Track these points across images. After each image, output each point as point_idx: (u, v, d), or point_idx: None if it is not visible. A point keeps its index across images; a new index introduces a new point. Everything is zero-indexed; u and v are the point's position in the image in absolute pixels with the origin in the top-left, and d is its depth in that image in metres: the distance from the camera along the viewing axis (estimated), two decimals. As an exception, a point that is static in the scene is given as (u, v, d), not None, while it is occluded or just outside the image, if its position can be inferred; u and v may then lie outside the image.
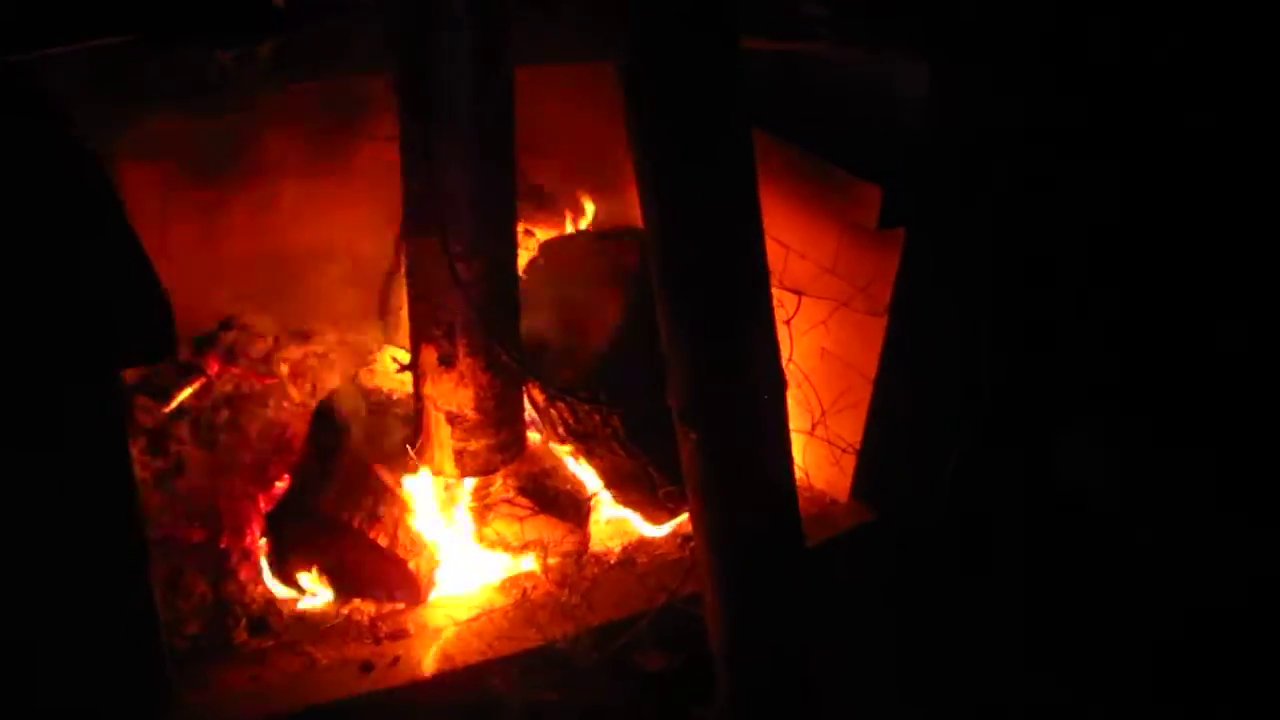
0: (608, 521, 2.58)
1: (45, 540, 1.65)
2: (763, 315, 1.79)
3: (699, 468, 1.82)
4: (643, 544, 2.51)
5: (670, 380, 1.81)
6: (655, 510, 2.46)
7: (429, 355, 2.21)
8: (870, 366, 2.51)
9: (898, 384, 2.49)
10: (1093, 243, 2.35)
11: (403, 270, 3.02)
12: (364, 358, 3.00)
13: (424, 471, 2.32)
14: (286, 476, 2.55)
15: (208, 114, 1.85)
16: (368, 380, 2.52)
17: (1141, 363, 2.44)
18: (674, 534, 2.54)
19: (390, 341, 3.05)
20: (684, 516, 2.52)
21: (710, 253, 1.73)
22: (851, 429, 2.56)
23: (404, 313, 2.99)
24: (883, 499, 2.61)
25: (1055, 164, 2.24)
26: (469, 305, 2.15)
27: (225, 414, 2.66)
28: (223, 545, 2.38)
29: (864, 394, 2.53)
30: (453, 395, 2.23)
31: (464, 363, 2.20)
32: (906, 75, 2.21)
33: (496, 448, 2.30)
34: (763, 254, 1.79)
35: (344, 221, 3.01)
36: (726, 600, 1.87)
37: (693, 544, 2.44)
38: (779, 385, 1.84)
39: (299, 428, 2.69)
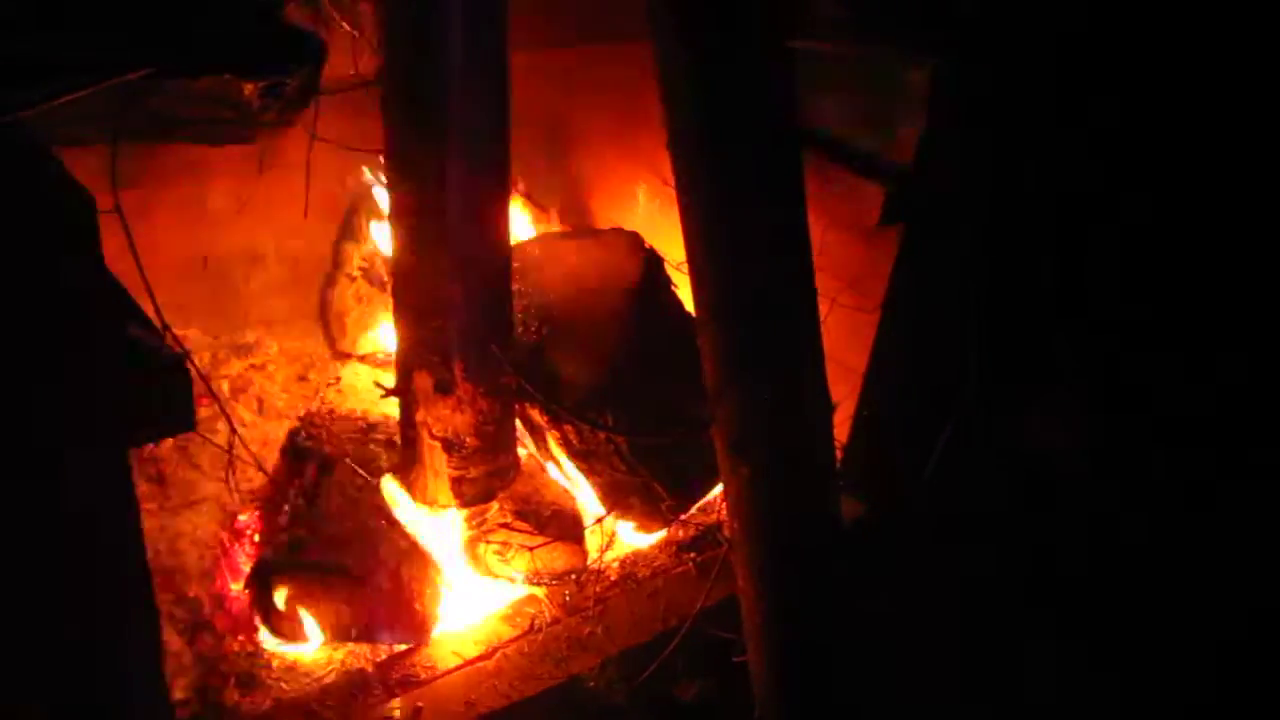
0: (590, 532, 2.48)
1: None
2: (816, 340, 1.73)
3: (751, 502, 1.75)
4: (638, 556, 2.42)
5: (717, 412, 1.73)
6: (651, 521, 2.39)
7: (423, 381, 2.05)
8: (857, 360, 2.49)
9: (888, 378, 2.47)
10: (1081, 233, 2.37)
11: (344, 273, 2.86)
12: (307, 368, 2.81)
13: (418, 502, 2.17)
14: (251, 509, 2.36)
15: (219, 143, 1.64)
16: (338, 402, 2.34)
17: (1122, 352, 2.49)
18: (668, 543, 2.46)
19: (335, 348, 2.86)
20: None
21: (768, 279, 1.65)
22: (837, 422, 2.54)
23: (350, 318, 2.83)
24: (868, 492, 2.60)
25: (1053, 160, 2.24)
26: (469, 327, 2.01)
27: (169, 442, 2.43)
28: (192, 594, 2.19)
29: (850, 387, 2.51)
30: (450, 421, 2.08)
31: (462, 388, 2.05)
32: (910, 73, 2.15)
33: (495, 473, 2.18)
34: (813, 274, 1.73)
35: (274, 221, 2.79)
36: (777, 639, 1.82)
37: (693, 557, 2.41)
38: (829, 410, 1.79)
39: (254, 451, 2.49)
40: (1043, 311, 2.47)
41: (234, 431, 1.72)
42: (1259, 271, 2.31)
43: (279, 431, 2.49)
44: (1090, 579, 2.63)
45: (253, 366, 2.74)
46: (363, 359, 2.74)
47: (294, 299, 2.89)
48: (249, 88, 1.33)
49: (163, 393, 1.38)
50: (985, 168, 2.22)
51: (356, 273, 2.82)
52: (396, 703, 1.98)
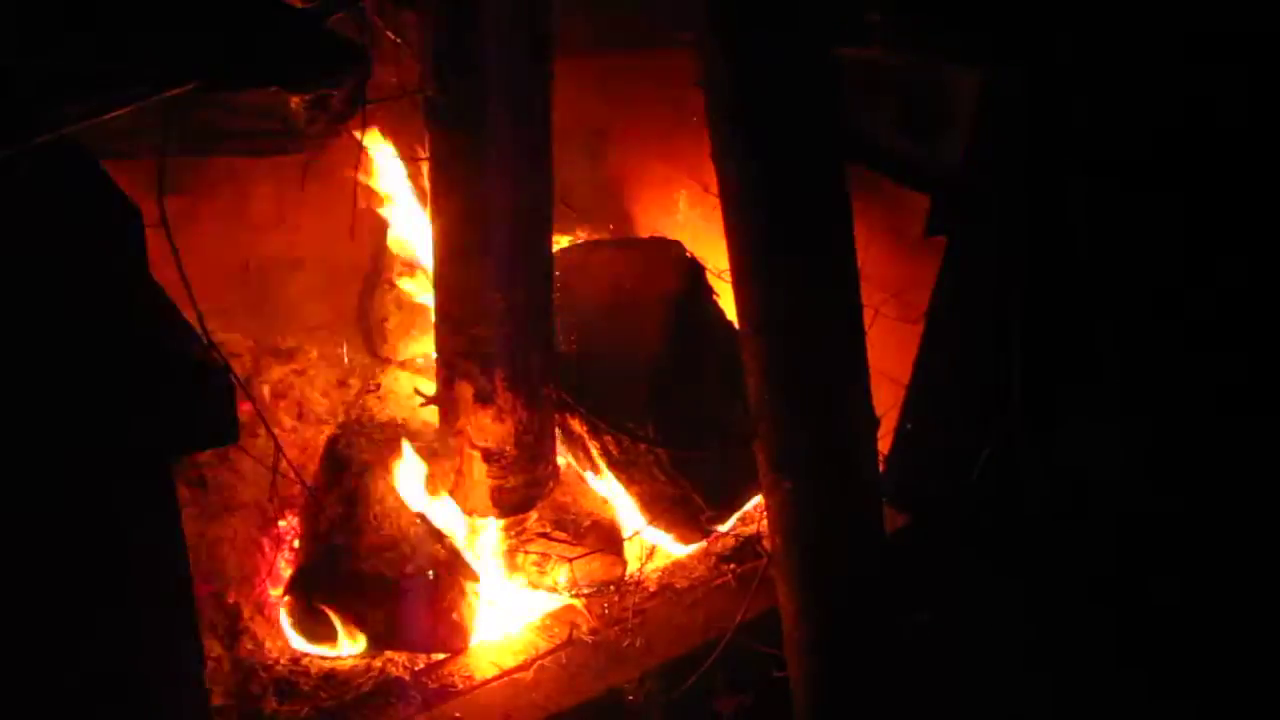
0: (629, 542, 2.47)
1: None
2: (861, 354, 1.70)
3: (794, 518, 1.73)
4: (677, 567, 2.41)
5: (760, 428, 1.71)
6: (690, 532, 2.37)
7: (464, 390, 2.05)
8: (900, 371, 2.46)
9: (932, 389, 2.44)
10: (1129, 243, 2.33)
11: (384, 278, 2.86)
12: (346, 373, 2.82)
13: (457, 511, 2.17)
14: (290, 514, 2.37)
15: (265, 155, 1.65)
16: (377, 409, 2.33)
17: (1159, 362, 2.46)
18: (706, 554, 2.44)
19: (374, 354, 2.87)
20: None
21: (813, 293, 1.64)
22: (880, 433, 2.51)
23: (389, 324, 2.84)
24: (911, 503, 2.57)
25: (1100, 167, 2.21)
26: (510, 336, 2.00)
27: (211, 447, 2.44)
28: (231, 600, 2.19)
29: (893, 398, 2.48)
30: (489, 431, 2.07)
31: (502, 397, 2.04)
32: (953, 82, 2.12)
33: (534, 483, 2.17)
34: (858, 286, 1.70)
35: (314, 227, 2.80)
36: (819, 654, 1.80)
37: (732, 568, 2.39)
38: (872, 425, 1.76)
39: (292, 456, 2.49)
40: (1088, 321, 2.43)
41: (276, 444, 1.71)
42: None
43: (319, 437, 2.49)
44: (1131, 587, 2.59)
45: (293, 371, 2.75)
46: (402, 365, 2.74)
47: (334, 304, 2.90)
48: (295, 100, 1.33)
49: (206, 404, 1.38)
50: (1031, 177, 2.18)
51: (397, 278, 2.82)
52: (432, 713, 1.97)
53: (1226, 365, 2.37)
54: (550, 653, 2.12)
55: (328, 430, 2.48)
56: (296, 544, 2.29)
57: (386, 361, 2.81)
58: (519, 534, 2.23)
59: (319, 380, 2.78)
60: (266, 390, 2.64)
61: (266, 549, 2.32)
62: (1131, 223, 2.28)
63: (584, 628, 2.17)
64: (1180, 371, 2.44)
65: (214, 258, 2.66)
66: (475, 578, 2.16)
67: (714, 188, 1.66)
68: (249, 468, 2.44)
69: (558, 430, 2.29)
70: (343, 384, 2.79)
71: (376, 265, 2.86)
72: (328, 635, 2.06)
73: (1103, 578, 2.63)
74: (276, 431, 2.54)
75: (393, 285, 2.84)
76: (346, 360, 2.86)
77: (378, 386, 2.41)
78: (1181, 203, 2.22)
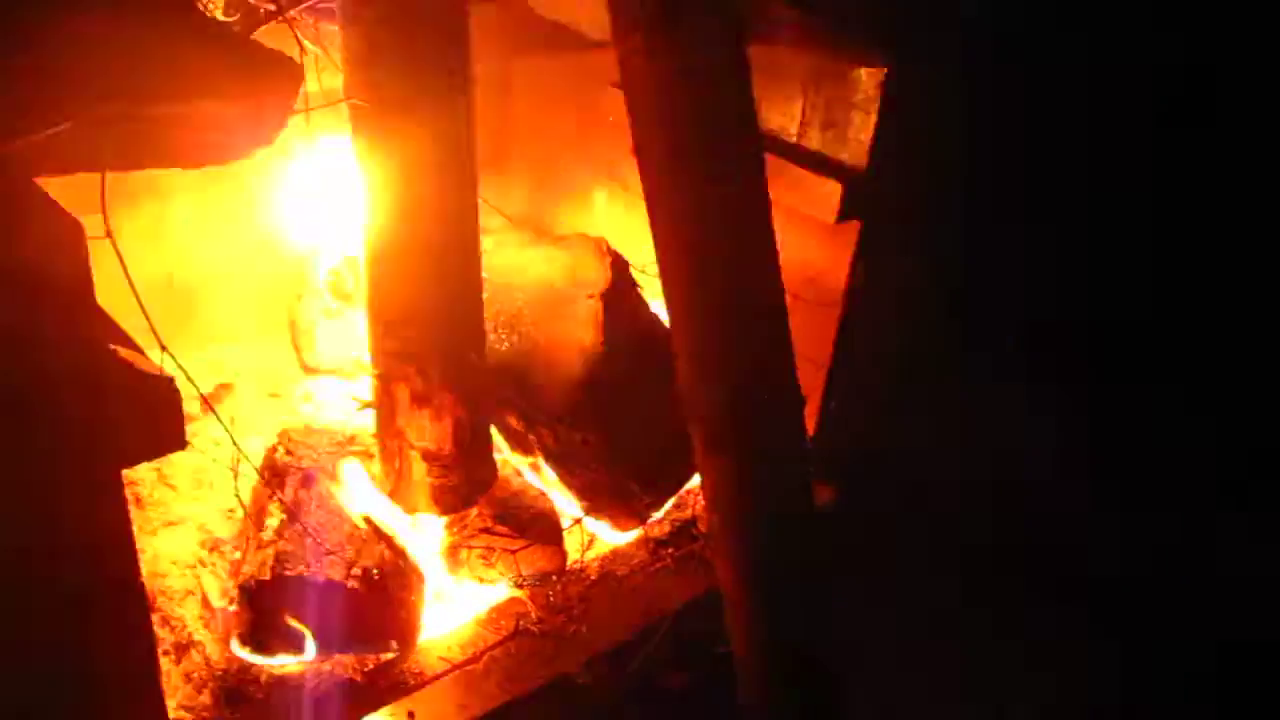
0: (569, 532, 2.52)
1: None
2: (785, 334, 1.78)
3: (729, 494, 1.81)
4: (617, 555, 2.47)
5: (692, 409, 1.79)
6: (627, 519, 2.43)
7: (400, 392, 2.08)
8: (820, 353, 2.55)
9: (853, 368, 2.54)
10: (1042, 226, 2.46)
11: (310, 287, 2.86)
12: (279, 385, 2.82)
13: (400, 512, 2.20)
14: (231, 526, 2.37)
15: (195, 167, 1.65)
16: (313, 416, 2.35)
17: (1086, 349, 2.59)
18: (644, 540, 2.51)
19: (305, 364, 2.87)
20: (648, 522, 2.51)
21: (737, 278, 1.71)
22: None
23: (317, 332, 2.84)
24: (839, 476, 2.67)
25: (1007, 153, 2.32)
26: (443, 337, 2.04)
27: (145, 464, 2.43)
28: (176, 614, 2.20)
29: (815, 380, 2.58)
30: (428, 431, 2.11)
31: (439, 397, 2.08)
32: (861, 73, 2.22)
33: (474, 480, 2.21)
34: (779, 270, 1.78)
35: (239, 238, 2.80)
36: (758, 624, 1.88)
37: (670, 552, 2.46)
38: (799, 403, 1.85)
39: (228, 471, 2.50)
40: (1004, 305, 2.56)
41: (237, 447, 1.74)
42: (1216, 265, 2.42)
43: (252, 448, 2.50)
44: (1057, 568, 2.72)
45: (221, 385, 2.75)
46: (332, 372, 2.75)
47: (261, 315, 2.90)
48: (229, 112, 1.36)
49: (156, 412, 1.41)
50: (940, 162, 2.29)
51: (323, 286, 2.83)
52: (385, 710, 2.00)
53: (1155, 356, 2.50)
54: (499, 644, 2.17)
55: (262, 440, 2.49)
56: (238, 555, 2.30)
57: (315, 370, 2.82)
58: (461, 530, 2.27)
59: (250, 392, 2.78)
60: (197, 405, 2.63)
61: (209, 561, 2.32)
62: (1047, 203, 2.40)
63: (531, 618, 2.22)
64: (1104, 360, 2.57)
65: (136, 271, 2.63)
66: (421, 576, 2.20)
67: (632, 185, 1.73)
68: (185, 482, 2.45)
69: (495, 426, 2.34)
70: (274, 395, 2.80)
71: (303, 274, 2.86)
72: (275, 642, 2.07)
73: (1023, 548, 2.76)
74: (209, 447, 2.55)
75: (320, 293, 2.85)
76: (277, 371, 2.86)
77: (311, 395, 2.42)
78: (1098, 188, 2.35)
